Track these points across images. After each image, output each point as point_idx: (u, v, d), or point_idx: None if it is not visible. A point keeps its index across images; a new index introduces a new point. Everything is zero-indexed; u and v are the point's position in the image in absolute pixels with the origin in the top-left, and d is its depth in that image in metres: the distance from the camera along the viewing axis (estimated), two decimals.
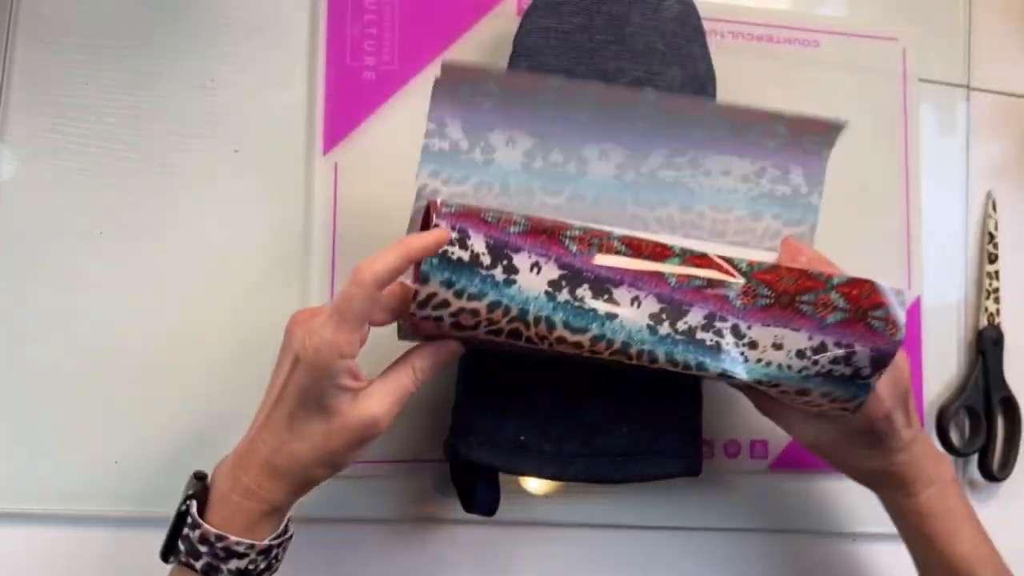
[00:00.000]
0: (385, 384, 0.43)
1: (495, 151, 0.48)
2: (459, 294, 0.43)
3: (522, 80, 0.48)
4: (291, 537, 0.45)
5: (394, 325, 0.46)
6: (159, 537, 0.47)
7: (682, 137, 0.50)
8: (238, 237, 0.53)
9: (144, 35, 0.53)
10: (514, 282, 0.43)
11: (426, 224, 0.45)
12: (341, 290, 0.41)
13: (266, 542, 0.42)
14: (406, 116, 0.55)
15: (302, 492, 0.43)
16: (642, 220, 0.50)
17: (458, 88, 0.47)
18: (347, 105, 0.54)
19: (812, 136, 0.50)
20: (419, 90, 0.55)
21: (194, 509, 0.42)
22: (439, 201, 0.43)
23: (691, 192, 0.50)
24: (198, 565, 0.41)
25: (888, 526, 0.60)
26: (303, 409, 0.42)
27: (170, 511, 0.50)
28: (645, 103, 0.49)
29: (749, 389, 0.49)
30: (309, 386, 0.41)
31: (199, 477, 0.44)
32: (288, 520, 0.45)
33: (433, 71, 0.53)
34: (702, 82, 0.54)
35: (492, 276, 0.43)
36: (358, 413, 0.42)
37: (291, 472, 0.42)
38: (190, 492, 0.43)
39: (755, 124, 0.50)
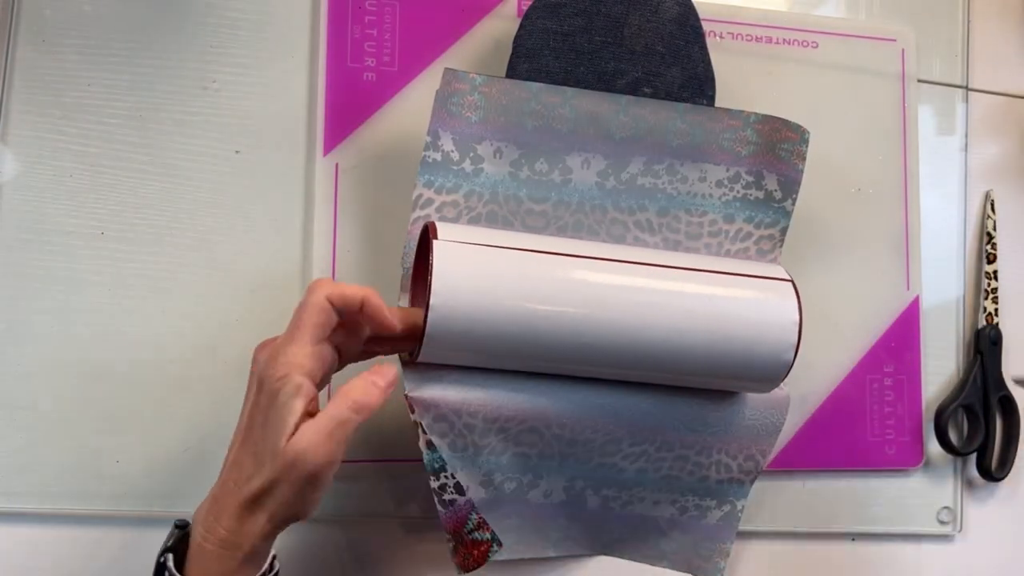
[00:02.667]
0: (319, 420, 0.40)
1: (484, 161, 0.51)
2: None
3: (504, 86, 0.51)
4: (277, 573, 0.43)
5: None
6: (159, 537, 0.47)
7: (659, 146, 0.53)
8: (238, 237, 0.53)
9: (145, 36, 0.53)
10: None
11: (424, 242, 0.47)
12: (300, 304, 0.42)
13: None
14: (406, 117, 0.55)
15: (276, 532, 0.41)
16: (622, 224, 0.53)
17: (449, 101, 0.50)
18: (347, 106, 0.54)
19: (784, 144, 0.53)
20: (419, 91, 0.55)
21: (171, 562, 0.41)
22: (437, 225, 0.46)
23: (669, 197, 0.53)
24: None
25: (887, 526, 0.61)
26: (262, 441, 0.40)
27: (171, 511, 0.51)
28: (621, 110, 0.52)
29: None
30: (268, 407, 0.40)
31: (179, 526, 0.43)
32: (274, 557, 0.43)
33: (433, 72, 0.54)
34: (701, 83, 0.54)
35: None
36: (288, 450, 0.39)
37: (259, 513, 0.40)
38: (168, 544, 0.42)
39: (728, 131, 0.53)
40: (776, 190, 0.54)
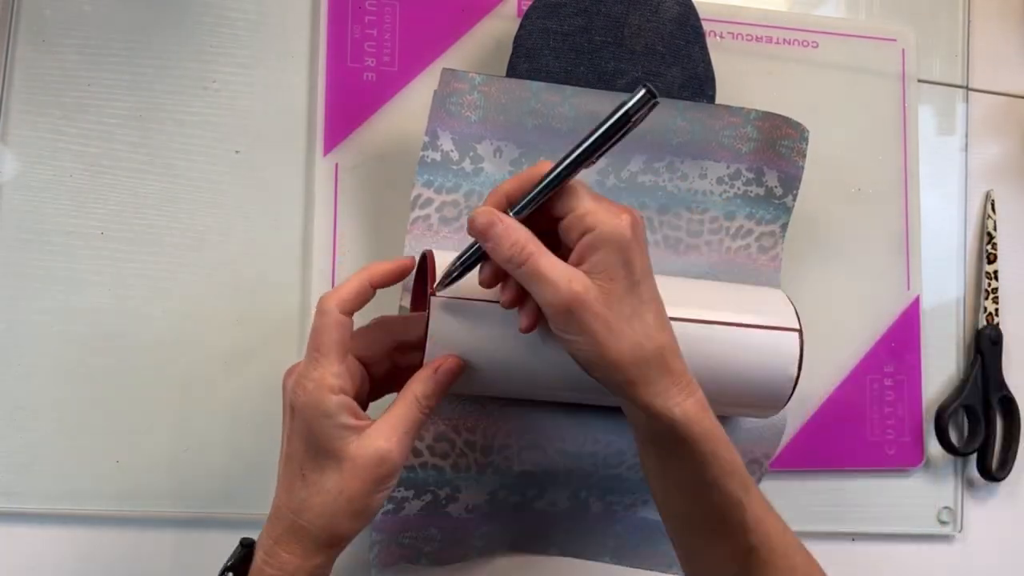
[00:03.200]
0: (387, 417, 0.41)
1: (483, 161, 0.51)
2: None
3: (504, 85, 0.51)
4: None
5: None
6: (159, 537, 0.47)
7: (659, 143, 0.52)
8: (238, 237, 0.53)
9: (145, 36, 0.53)
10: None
11: (422, 269, 0.46)
12: (313, 324, 0.41)
13: None
14: (406, 117, 0.55)
15: (335, 550, 0.41)
16: None
17: (448, 101, 0.49)
18: (347, 106, 0.54)
19: (784, 141, 0.53)
20: (419, 91, 0.55)
21: None
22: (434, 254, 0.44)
23: (669, 195, 0.53)
24: None
25: (888, 526, 0.61)
26: (312, 460, 0.40)
27: (171, 511, 0.51)
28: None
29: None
30: (309, 431, 0.40)
31: (244, 545, 0.42)
32: None
33: (433, 72, 0.54)
34: (701, 83, 0.54)
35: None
36: (365, 452, 0.39)
37: (317, 531, 0.40)
38: (229, 563, 0.41)
39: (728, 128, 0.53)
40: (777, 186, 0.54)
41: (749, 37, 0.60)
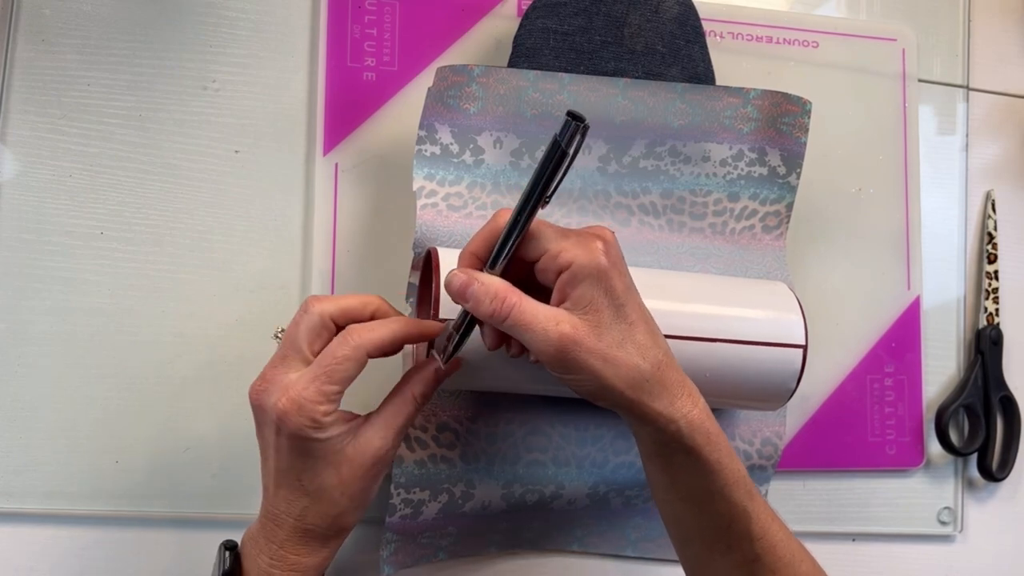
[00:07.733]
0: (383, 415, 0.42)
1: (484, 152, 0.51)
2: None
3: (502, 75, 0.51)
4: None
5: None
6: (159, 537, 0.47)
7: (660, 127, 0.53)
8: (238, 237, 0.53)
9: (145, 35, 0.53)
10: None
11: (427, 266, 0.46)
12: (331, 348, 0.40)
13: None
14: (406, 116, 0.55)
15: (341, 539, 0.43)
16: (626, 208, 0.53)
17: (446, 95, 0.50)
18: (347, 106, 0.54)
19: (785, 118, 0.53)
20: (419, 91, 0.55)
21: None
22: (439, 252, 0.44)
23: (672, 179, 0.53)
24: None
25: (888, 526, 0.61)
26: (308, 469, 0.40)
27: (171, 511, 0.51)
28: (619, 93, 0.52)
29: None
30: (301, 446, 0.40)
31: (229, 547, 0.43)
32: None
33: (433, 72, 0.54)
34: (701, 83, 0.54)
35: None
36: (362, 450, 0.41)
37: (323, 530, 0.41)
38: (226, 568, 0.42)
39: (728, 109, 0.53)
40: (780, 165, 0.54)
41: (749, 37, 0.60)
